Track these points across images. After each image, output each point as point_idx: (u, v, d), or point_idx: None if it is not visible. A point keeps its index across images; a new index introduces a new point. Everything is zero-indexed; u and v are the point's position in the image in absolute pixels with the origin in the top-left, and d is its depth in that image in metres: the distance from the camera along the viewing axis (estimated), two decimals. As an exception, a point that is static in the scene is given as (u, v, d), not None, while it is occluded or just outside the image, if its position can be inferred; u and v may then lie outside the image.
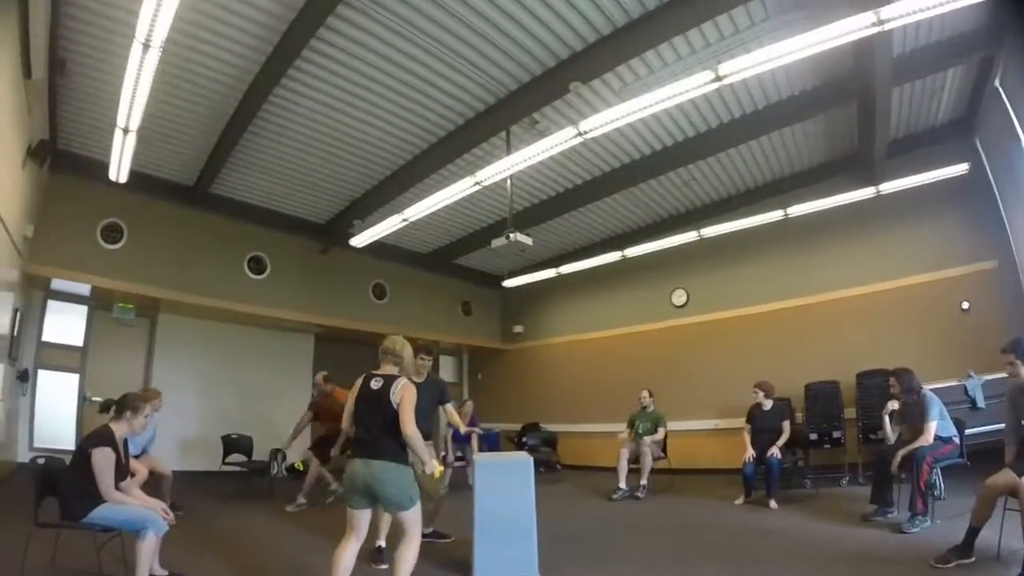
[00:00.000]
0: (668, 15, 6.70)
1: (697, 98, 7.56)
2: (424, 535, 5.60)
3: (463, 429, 7.16)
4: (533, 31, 6.97)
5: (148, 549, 4.39)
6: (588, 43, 7.23)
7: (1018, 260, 9.13)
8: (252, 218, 11.11)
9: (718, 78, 6.31)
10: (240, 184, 10.23)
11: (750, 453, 8.47)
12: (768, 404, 8.87)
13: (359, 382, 4.60)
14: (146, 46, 5.53)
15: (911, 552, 5.31)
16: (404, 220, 9.51)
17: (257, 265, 11.31)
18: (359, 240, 10.41)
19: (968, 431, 6.75)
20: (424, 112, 8.42)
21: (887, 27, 5.83)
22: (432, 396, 6.14)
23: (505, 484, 5.35)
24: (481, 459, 5.80)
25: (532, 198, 11.23)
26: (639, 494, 9.18)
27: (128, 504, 4.57)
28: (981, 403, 8.17)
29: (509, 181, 9.12)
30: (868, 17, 5.68)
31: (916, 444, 6.31)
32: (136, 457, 6.68)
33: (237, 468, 9.17)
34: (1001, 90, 8.21)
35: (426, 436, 5.64)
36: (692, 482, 10.00)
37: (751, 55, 6.18)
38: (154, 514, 4.55)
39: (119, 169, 7.87)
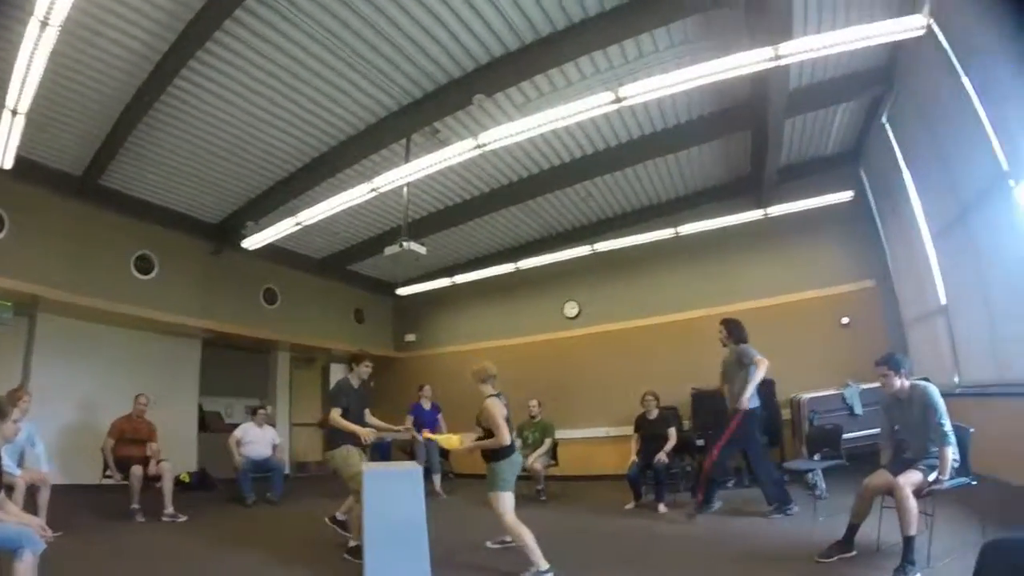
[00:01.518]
0: (575, 36, 6.66)
1: (597, 117, 7.57)
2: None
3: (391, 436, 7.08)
4: (441, 41, 6.74)
5: (25, 571, 3.92)
6: (494, 57, 7.07)
7: (895, 280, 9.91)
8: (141, 214, 10.20)
9: (618, 99, 6.31)
10: (131, 177, 9.36)
11: (633, 459, 8.51)
12: (655, 412, 8.89)
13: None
14: (44, 24, 5.04)
15: (797, 549, 5.42)
16: (298, 224, 9.06)
17: (144, 264, 10.39)
18: (252, 242, 9.78)
19: (847, 435, 7.13)
20: (325, 115, 8.01)
21: (784, 62, 5.96)
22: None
23: (395, 494, 5.10)
24: (369, 468, 5.51)
25: (429, 207, 10.91)
26: (543, 497, 9.19)
27: (1, 521, 4.10)
28: (859, 410, 8.45)
29: (406, 189, 8.79)
30: (767, 52, 5.77)
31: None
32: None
33: (121, 482, 8.29)
34: (888, 126, 8.71)
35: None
36: (586, 488, 9.99)
37: (652, 79, 6.22)
38: (31, 531, 3.96)
39: (4, 154, 7.15)
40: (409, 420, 9.56)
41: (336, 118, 8.09)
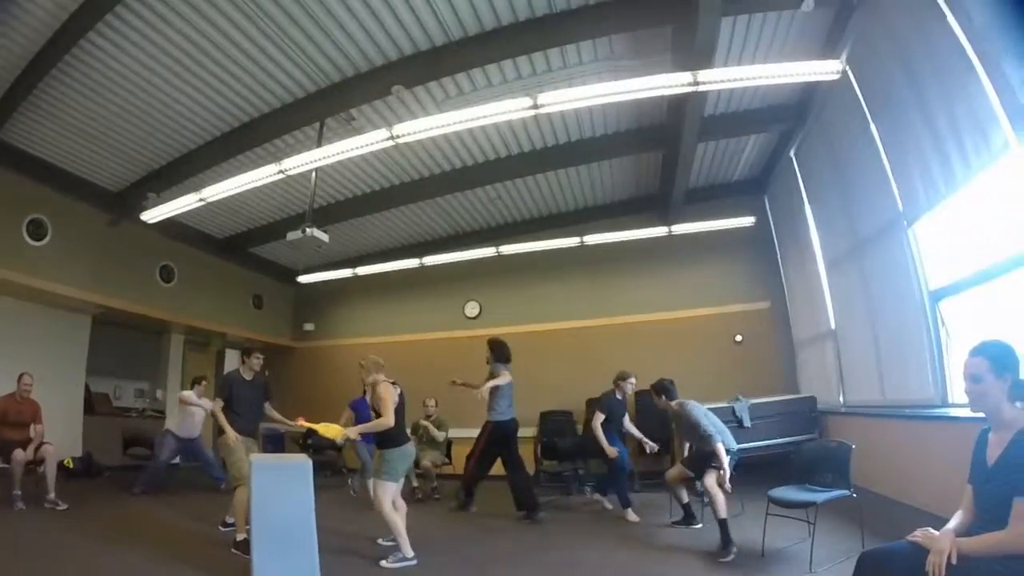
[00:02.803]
0: (502, 38, 6.55)
1: (515, 121, 7.48)
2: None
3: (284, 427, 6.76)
4: (368, 27, 6.45)
5: None
6: (419, 50, 6.84)
7: (788, 303, 10.32)
8: (40, 175, 9.18)
9: (536, 106, 6.17)
10: (32, 134, 8.38)
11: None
12: None
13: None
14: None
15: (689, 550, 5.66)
16: (201, 200, 8.47)
17: (37, 229, 9.37)
18: (152, 215, 9.06)
19: (735, 446, 7.01)
20: (241, 89, 7.51)
21: (702, 88, 6.00)
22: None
23: (283, 488, 4.77)
24: (257, 460, 5.14)
25: (337, 195, 10.49)
26: (436, 496, 8.95)
27: None
28: (747, 423, 8.59)
29: (315, 174, 8.39)
30: (686, 77, 5.77)
31: None
32: None
33: (3, 465, 7.54)
34: (794, 160, 9.03)
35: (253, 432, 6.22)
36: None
37: (572, 90, 6.11)
38: None
39: None
40: (347, 414, 8.70)
41: (251, 93, 7.61)
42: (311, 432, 6.98)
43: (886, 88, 5.90)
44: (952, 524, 2.69)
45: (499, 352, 7.88)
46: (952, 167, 4.95)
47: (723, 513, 5.46)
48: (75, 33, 6.34)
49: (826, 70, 5.79)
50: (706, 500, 6.39)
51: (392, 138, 6.81)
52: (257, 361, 6.38)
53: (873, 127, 6.26)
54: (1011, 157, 4.21)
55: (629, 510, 7.27)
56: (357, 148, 7.17)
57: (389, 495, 5.31)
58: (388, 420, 5.26)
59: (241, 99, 7.72)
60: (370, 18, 6.31)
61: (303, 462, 5.02)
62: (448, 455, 9.66)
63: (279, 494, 4.73)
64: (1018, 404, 2.57)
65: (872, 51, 6.06)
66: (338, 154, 7.32)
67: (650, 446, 7.63)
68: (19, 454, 7.20)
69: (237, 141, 8.40)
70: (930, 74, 5.09)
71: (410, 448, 5.62)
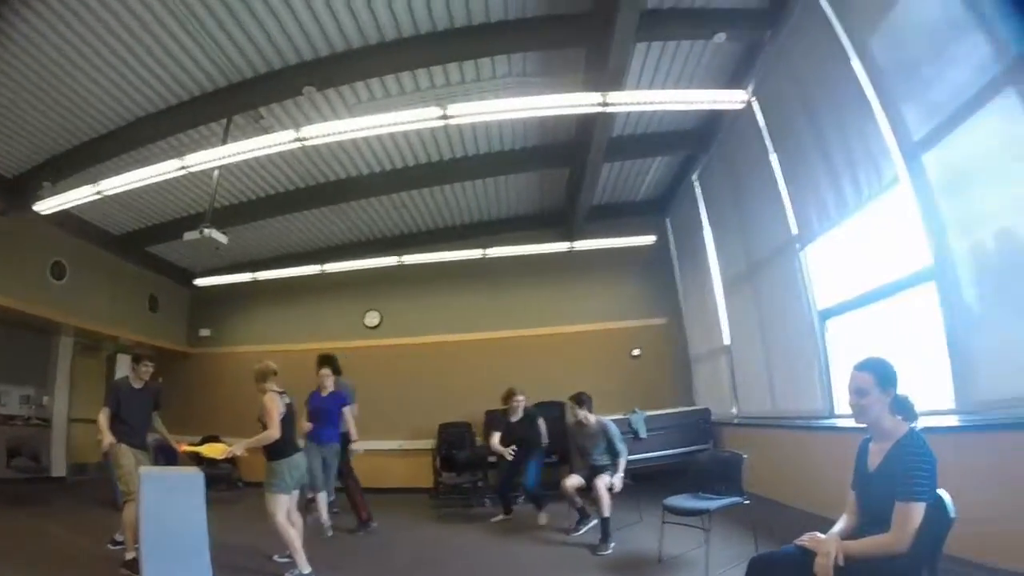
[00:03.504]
0: (418, 47, 6.48)
1: (423, 131, 7.41)
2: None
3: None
4: (285, 23, 6.21)
5: None
6: (334, 51, 6.66)
7: (685, 320, 10.67)
8: None
9: (446, 116, 6.14)
10: None
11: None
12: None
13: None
14: None
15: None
16: (99, 192, 8.05)
17: None
18: (46, 206, 8.53)
19: (632, 457, 7.24)
20: (149, 77, 7.00)
21: (610, 110, 6.16)
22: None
23: (174, 501, 4.58)
24: (147, 471, 4.85)
25: (240, 195, 10.02)
26: (335, 509, 8.43)
27: None
28: (643, 434, 8.78)
29: (217, 172, 8.06)
30: (596, 97, 5.87)
31: None
32: None
33: None
34: (697, 183, 9.35)
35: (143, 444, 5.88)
36: (379, 501, 9.60)
37: (483, 103, 6.16)
38: None
39: None
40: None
41: (159, 82, 7.12)
42: (206, 442, 6.71)
43: (787, 120, 6.22)
44: (837, 528, 2.82)
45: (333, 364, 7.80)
46: (844, 196, 5.30)
47: (607, 512, 6.06)
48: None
49: (732, 99, 6.07)
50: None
51: (299, 140, 6.61)
52: (146, 369, 6.04)
53: (773, 156, 6.59)
54: (899, 189, 4.54)
55: (542, 513, 7.44)
56: (263, 148, 6.88)
57: (282, 508, 5.10)
58: (273, 432, 5.09)
59: (148, 87, 7.23)
60: (287, 15, 6.09)
61: (194, 475, 4.85)
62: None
63: (170, 508, 4.54)
64: (897, 416, 2.72)
65: (777, 85, 6.37)
66: (244, 153, 7.01)
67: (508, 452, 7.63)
68: None
69: (140, 132, 7.89)
70: (829, 110, 5.41)
71: (299, 459, 5.39)
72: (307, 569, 5.03)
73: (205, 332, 13.77)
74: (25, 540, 6.46)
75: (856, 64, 4.89)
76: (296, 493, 5.42)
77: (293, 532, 5.08)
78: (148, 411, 6.05)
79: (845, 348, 5.74)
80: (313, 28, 6.30)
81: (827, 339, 5.96)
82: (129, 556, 5.11)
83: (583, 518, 6.81)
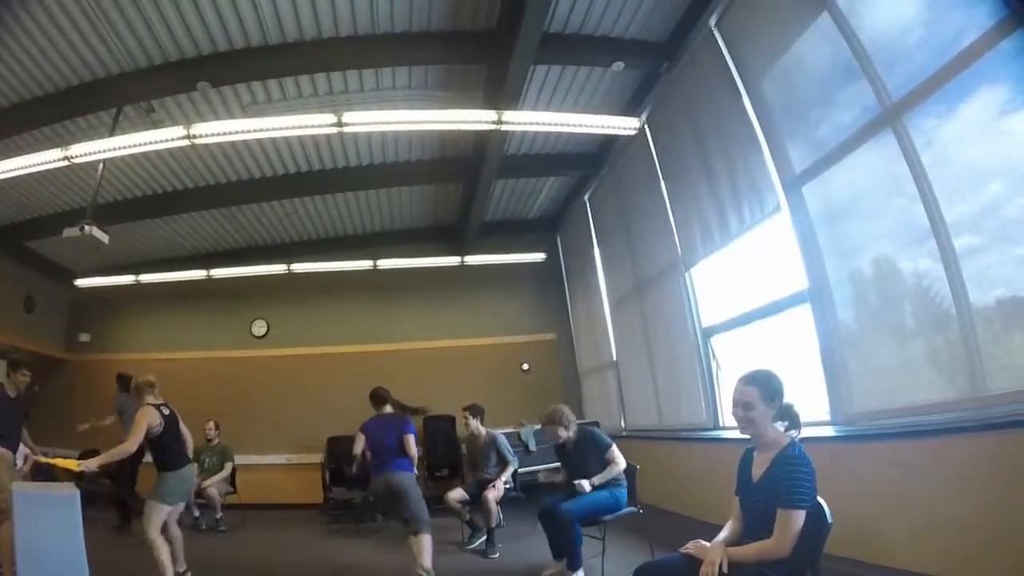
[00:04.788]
0: (318, 50, 6.31)
1: (319, 136, 7.22)
2: None
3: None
4: (185, 13, 5.87)
5: None
6: (233, 48, 6.36)
7: (574, 335, 10.95)
8: None
9: (340, 123, 5.99)
10: None
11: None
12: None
13: None
14: None
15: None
16: (-29, 179, 7.54)
17: None
18: None
19: (523, 469, 7.47)
20: (37, 54, 6.32)
21: (505, 128, 6.17)
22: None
23: (50, 521, 4.29)
24: (20, 487, 4.51)
25: (125, 192, 9.34)
26: (222, 527, 8.22)
27: None
28: (533, 447, 8.87)
29: (102, 165, 7.57)
30: (492, 115, 5.91)
31: None
32: None
33: None
34: (588, 204, 9.62)
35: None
36: (267, 517, 9.23)
37: (380, 113, 6.12)
38: None
39: None
40: (360, 442, 6.27)
41: (48, 62, 6.46)
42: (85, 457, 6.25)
43: (677, 148, 6.52)
44: (723, 535, 2.90)
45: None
46: (728, 222, 5.63)
47: (494, 523, 6.38)
48: None
49: (626, 126, 6.29)
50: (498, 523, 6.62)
51: (191, 137, 6.31)
52: (23, 378, 5.63)
53: (662, 181, 6.90)
54: (780, 217, 4.88)
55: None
56: (153, 143, 6.50)
57: (159, 518, 4.91)
58: (129, 447, 4.86)
59: (35, 67, 6.55)
60: (189, 4, 5.78)
61: (70, 492, 4.46)
62: (233, 483, 8.93)
63: (45, 528, 4.26)
64: (780, 427, 2.84)
65: (670, 114, 6.67)
66: (132, 147, 6.61)
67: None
68: None
69: (21, 116, 7.26)
70: (718, 140, 5.71)
71: (188, 472, 5.29)
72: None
73: (85, 337, 12.66)
74: None
75: (746, 100, 5.20)
76: (180, 506, 5.27)
77: (164, 549, 4.85)
78: (21, 422, 5.66)
79: (731, 362, 6.04)
80: (214, 20, 6.00)
81: (711, 355, 6.25)
82: None
83: (474, 531, 6.85)
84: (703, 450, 6.31)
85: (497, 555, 6.20)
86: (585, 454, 5.14)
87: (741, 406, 2.84)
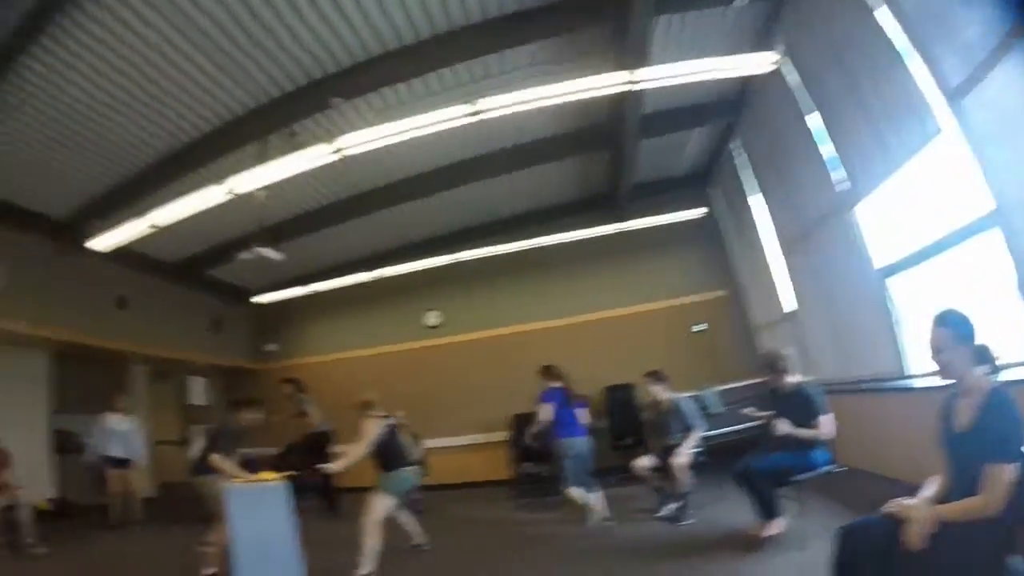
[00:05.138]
0: (438, 46, 6.49)
1: (458, 128, 7.31)
2: None
3: None
4: (303, 40, 6.32)
5: None
6: (357, 60, 6.72)
7: (744, 290, 10.52)
8: None
9: (476, 112, 6.17)
10: None
11: None
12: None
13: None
14: None
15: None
16: (152, 226, 8.28)
17: None
18: (101, 243, 8.76)
19: (708, 433, 7.28)
20: (182, 109, 7.25)
21: (639, 87, 6.06)
22: None
23: (261, 512, 4.75)
24: (230, 487, 5.04)
25: (287, 212, 10.24)
26: (419, 508, 8.59)
27: None
28: (716, 410, 8.70)
29: (263, 192, 8.22)
30: (624, 76, 5.81)
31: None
32: None
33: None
34: (737, 151, 9.16)
35: None
36: (457, 496, 9.74)
37: (512, 95, 6.09)
38: None
39: None
40: (548, 410, 7.14)
41: (191, 112, 7.33)
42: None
43: (820, 77, 5.99)
44: (928, 492, 2.72)
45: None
46: (889, 149, 5.08)
47: (686, 488, 6.40)
48: (8, 59, 6.12)
49: (761, 62, 5.88)
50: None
51: (335, 151, 6.73)
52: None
53: (810, 114, 6.38)
54: (943, 138, 4.35)
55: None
56: (301, 164, 7.05)
57: (383, 510, 5.69)
58: (357, 452, 5.91)
59: (183, 120, 7.44)
60: (304, 31, 6.17)
61: (278, 485, 5.01)
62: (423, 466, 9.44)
63: (258, 517, 4.72)
64: (980, 369, 2.60)
65: (804, 42, 6.14)
66: (283, 171, 7.18)
67: None
68: None
69: (180, 162, 8.11)
70: (862, 62, 5.18)
71: (405, 472, 6.08)
72: (365, 570, 5.34)
73: (271, 347, 14.15)
74: (124, 560, 6.95)
75: (884, 12, 4.67)
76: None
77: (376, 536, 5.50)
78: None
79: (916, 303, 5.50)
80: (332, 41, 6.37)
81: (890, 297, 5.72)
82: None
83: (664, 498, 6.79)
84: (893, 401, 5.85)
85: (689, 521, 6.18)
86: (795, 410, 4.96)
87: (933, 350, 2.64)
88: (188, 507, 9.50)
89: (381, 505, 5.72)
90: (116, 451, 9.02)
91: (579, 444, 6.96)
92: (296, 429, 9.79)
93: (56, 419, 10.65)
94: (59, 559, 6.88)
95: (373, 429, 6.01)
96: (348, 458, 5.98)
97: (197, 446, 6.50)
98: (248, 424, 6.36)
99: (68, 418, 10.83)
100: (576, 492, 6.78)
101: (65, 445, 10.69)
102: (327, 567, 5.58)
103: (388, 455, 6.01)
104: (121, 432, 9.18)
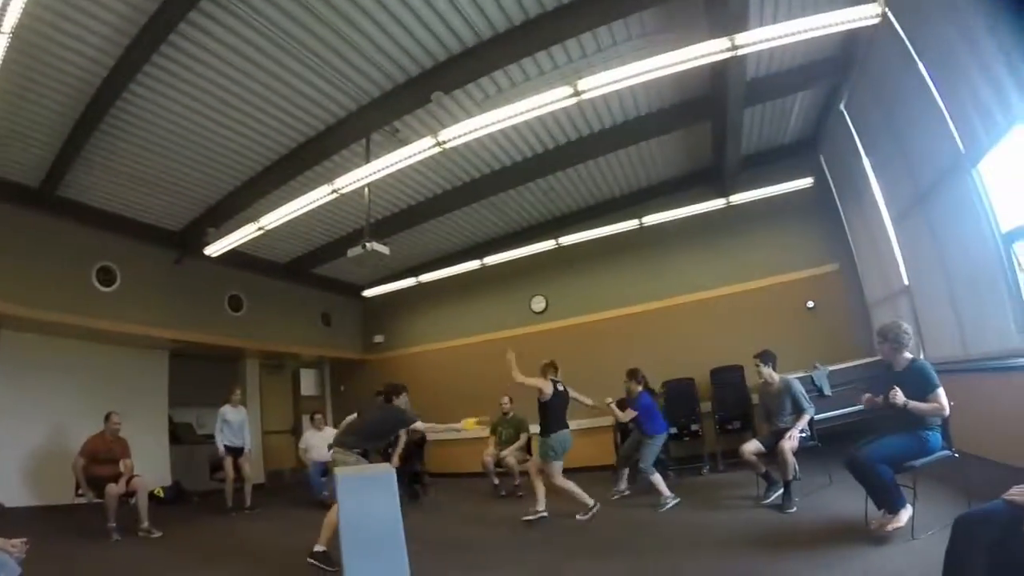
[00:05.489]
0: (533, 31, 6.55)
1: (557, 112, 7.46)
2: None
3: None
4: (398, 39, 6.56)
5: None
6: (452, 54, 6.91)
7: (857, 263, 10.02)
8: (101, 224, 9.74)
9: (577, 93, 6.20)
10: (89, 187, 8.94)
11: None
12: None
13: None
14: (-4, 32, 4.74)
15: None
16: (260, 228, 8.77)
17: (107, 276, 9.93)
18: (214, 249, 9.42)
19: (817, 416, 7.21)
20: (284, 117, 7.77)
21: (741, 52, 5.93)
22: None
23: (370, 498, 4.94)
24: (342, 472, 5.37)
25: (391, 207, 10.69)
26: (520, 492, 9.09)
27: None
28: (827, 391, 8.51)
29: (367, 189, 8.57)
30: (723, 43, 5.72)
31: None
32: None
33: (95, 500, 7.86)
34: (846, 113, 8.72)
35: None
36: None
37: (611, 72, 6.09)
38: (5, 558, 3.71)
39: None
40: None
41: (294, 119, 7.84)
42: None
43: (929, 25, 5.67)
44: None
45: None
46: (1009, 99, 4.70)
47: (791, 475, 6.32)
48: (116, 86, 6.67)
49: (864, 15, 5.62)
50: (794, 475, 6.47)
51: (438, 144, 6.97)
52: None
53: (921, 67, 5.98)
54: None
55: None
56: (405, 159, 7.36)
57: (558, 472, 7.19)
58: (539, 384, 7.40)
59: (286, 127, 7.97)
60: (399, 30, 6.41)
61: (387, 472, 5.20)
62: (529, 451, 9.72)
63: (367, 503, 4.91)
64: None
65: None
66: (387, 167, 7.52)
67: None
68: (112, 488, 7.56)
69: (287, 167, 8.66)
70: (972, 2, 4.85)
71: (564, 434, 7.27)
72: (542, 507, 7.16)
73: (379, 338, 14.92)
74: (236, 543, 7.43)
75: None
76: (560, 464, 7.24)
77: (573, 485, 7.09)
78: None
79: None
80: (426, 37, 6.59)
81: (1017, 265, 5.25)
82: (317, 548, 5.68)
83: (771, 484, 6.81)
84: (1018, 381, 5.34)
85: (795, 509, 6.13)
86: (910, 386, 4.80)
87: None
88: (297, 493, 10.21)
89: (555, 467, 7.14)
90: (231, 440, 9.70)
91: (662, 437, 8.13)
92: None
93: (174, 412, 11.63)
94: (174, 542, 7.39)
95: (545, 383, 7.33)
96: (519, 376, 7.22)
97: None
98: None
99: (182, 411, 11.96)
100: (657, 478, 7.57)
101: (182, 435, 11.74)
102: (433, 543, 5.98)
103: (550, 416, 7.24)
104: (235, 422, 9.86)
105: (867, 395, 5.28)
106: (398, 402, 6.77)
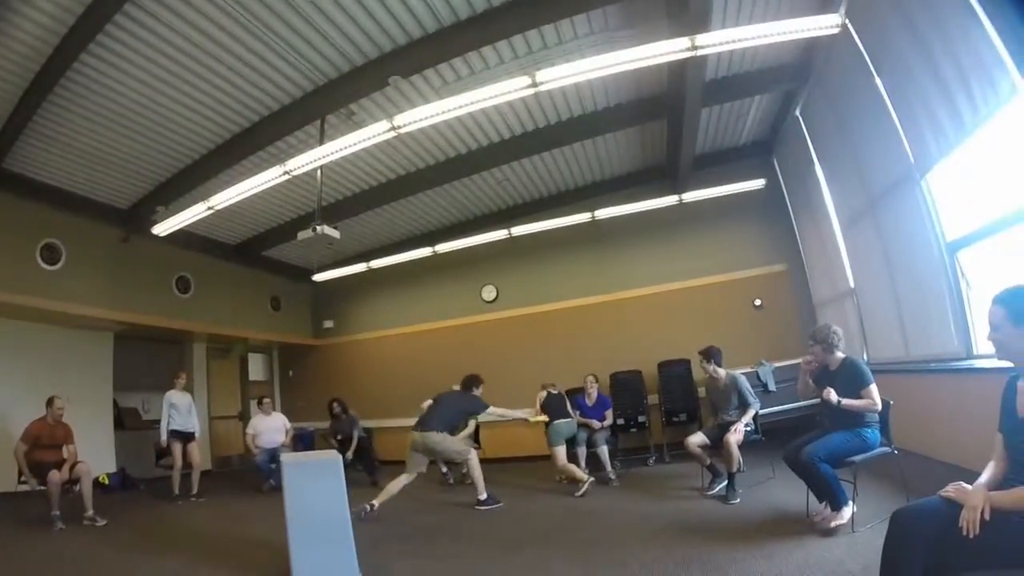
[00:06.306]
0: (494, 20, 6.46)
1: (515, 102, 7.46)
2: None
3: None
4: (359, 20, 6.39)
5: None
6: (412, 38, 6.77)
7: (805, 264, 10.24)
8: (47, 199, 9.19)
9: (535, 84, 6.12)
10: (35, 161, 8.45)
11: None
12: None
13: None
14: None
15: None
16: (210, 208, 8.45)
17: (51, 254, 9.37)
18: (162, 228, 9.01)
19: (763, 411, 7.37)
20: (239, 95, 7.50)
21: (701, 53, 5.92)
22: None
23: (316, 484, 4.87)
24: (288, 459, 5.28)
25: (344, 191, 10.47)
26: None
27: None
28: (772, 387, 8.73)
29: (319, 172, 8.39)
30: (683, 42, 5.70)
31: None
32: None
33: (38, 487, 7.51)
34: (801, 119, 8.88)
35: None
36: (509, 470, 9.88)
37: (570, 65, 6.04)
38: None
39: None
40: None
41: (249, 98, 7.59)
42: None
43: (887, 39, 5.77)
44: (984, 477, 2.67)
45: None
46: (960, 115, 4.84)
47: (735, 468, 6.45)
48: (67, 56, 6.32)
49: (825, 25, 5.72)
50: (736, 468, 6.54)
51: (393, 129, 6.79)
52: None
53: (877, 80, 6.12)
54: (1019, 101, 4.11)
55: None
56: (360, 142, 7.14)
57: (562, 454, 8.29)
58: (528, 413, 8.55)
59: (240, 105, 7.69)
60: (360, 11, 6.25)
61: (334, 458, 5.09)
62: (477, 440, 9.79)
63: (313, 490, 4.83)
64: None
65: (870, 2, 5.90)
66: (341, 150, 7.29)
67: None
68: (55, 475, 7.26)
69: (240, 146, 8.38)
70: (930, 21, 4.97)
71: (561, 425, 8.50)
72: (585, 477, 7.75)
73: (328, 324, 14.71)
74: (182, 530, 7.23)
75: None
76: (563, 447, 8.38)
77: (573, 467, 8.04)
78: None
79: (983, 280, 5.23)
80: (387, 20, 6.43)
81: (960, 273, 5.46)
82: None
83: (715, 476, 6.90)
84: (956, 383, 5.61)
85: (738, 500, 6.23)
86: (843, 384, 4.95)
87: (990, 327, 2.61)
88: (245, 479, 10.05)
89: (559, 452, 8.23)
90: (181, 425, 9.42)
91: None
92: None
93: (120, 396, 11.26)
94: (119, 531, 7.16)
95: (537, 409, 8.71)
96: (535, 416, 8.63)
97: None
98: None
99: (128, 396, 11.54)
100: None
101: (127, 421, 11.35)
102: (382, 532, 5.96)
103: (550, 413, 8.54)
104: (183, 406, 9.58)
105: (804, 360, 5.46)
106: (476, 392, 8.02)
